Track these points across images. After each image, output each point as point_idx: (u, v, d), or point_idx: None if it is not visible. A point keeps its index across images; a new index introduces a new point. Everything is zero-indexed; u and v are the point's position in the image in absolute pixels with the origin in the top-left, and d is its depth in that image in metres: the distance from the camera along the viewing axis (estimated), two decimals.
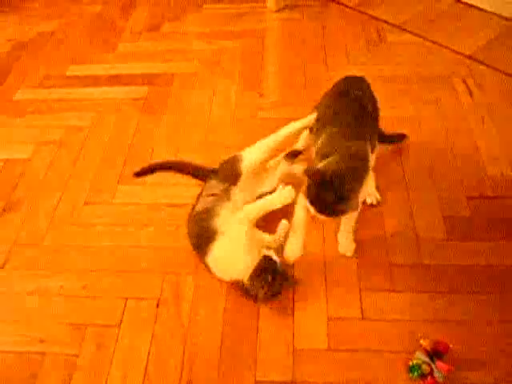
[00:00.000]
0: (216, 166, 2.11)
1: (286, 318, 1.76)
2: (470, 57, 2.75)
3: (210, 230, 1.83)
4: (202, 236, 1.85)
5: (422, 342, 1.61)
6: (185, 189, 2.19)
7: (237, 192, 1.95)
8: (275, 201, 1.83)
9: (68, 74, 2.89)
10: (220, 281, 1.85)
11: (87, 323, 1.79)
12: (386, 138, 2.14)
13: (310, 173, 1.62)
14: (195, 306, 1.81)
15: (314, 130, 1.95)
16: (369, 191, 2.05)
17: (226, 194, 1.93)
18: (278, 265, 1.73)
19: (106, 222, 2.11)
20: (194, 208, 1.97)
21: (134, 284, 1.89)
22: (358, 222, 1.89)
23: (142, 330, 1.76)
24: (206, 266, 1.86)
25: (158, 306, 1.82)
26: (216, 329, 1.75)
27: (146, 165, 2.29)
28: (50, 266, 1.97)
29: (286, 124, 2.04)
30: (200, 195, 2.00)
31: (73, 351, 1.72)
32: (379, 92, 2.05)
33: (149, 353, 1.70)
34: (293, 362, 1.65)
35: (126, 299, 1.85)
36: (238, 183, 1.97)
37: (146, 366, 1.67)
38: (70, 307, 1.85)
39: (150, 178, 2.25)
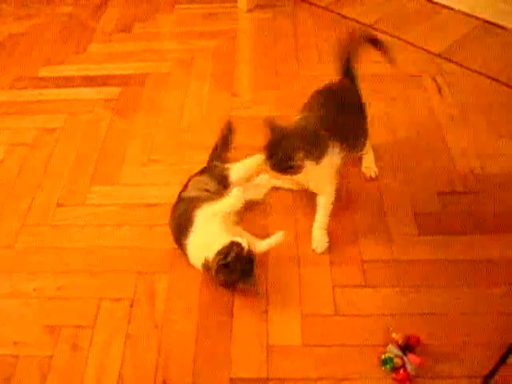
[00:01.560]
0: (189, 166, 2.16)
1: (260, 315, 1.76)
2: (439, 55, 2.79)
3: (191, 216, 1.85)
4: (184, 220, 1.86)
5: (393, 335, 1.63)
6: (158, 189, 2.19)
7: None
8: (227, 203, 1.86)
9: (40, 75, 2.87)
10: (194, 280, 1.86)
11: (61, 324, 1.78)
12: None
13: (270, 125, 1.79)
14: (169, 306, 1.81)
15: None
16: (368, 165, 2.17)
17: (218, 195, 1.94)
18: (245, 251, 1.71)
19: (79, 223, 2.09)
20: (182, 193, 2.00)
21: (108, 284, 1.89)
22: (330, 217, 1.93)
23: (117, 330, 1.75)
24: (183, 248, 1.87)
25: (132, 306, 1.81)
26: (190, 327, 1.75)
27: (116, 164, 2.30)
28: (24, 268, 1.95)
29: (258, 122, 2.03)
30: (189, 184, 2.02)
31: (47, 353, 1.71)
32: None
33: (123, 353, 1.69)
34: (267, 359, 1.65)
35: (100, 300, 1.84)
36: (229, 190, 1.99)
37: (121, 366, 1.66)
38: (45, 309, 1.83)
39: (123, 179, 2.24)
